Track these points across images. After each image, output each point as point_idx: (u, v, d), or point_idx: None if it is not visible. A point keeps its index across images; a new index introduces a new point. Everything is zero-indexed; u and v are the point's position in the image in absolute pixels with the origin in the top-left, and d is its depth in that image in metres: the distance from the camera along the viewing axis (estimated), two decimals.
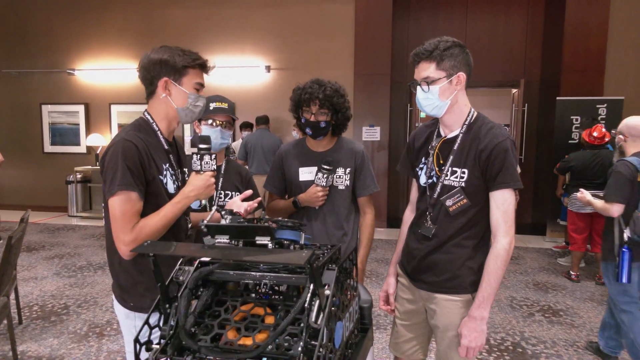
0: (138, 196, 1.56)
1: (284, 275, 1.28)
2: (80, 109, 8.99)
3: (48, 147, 9.20)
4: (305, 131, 2.31)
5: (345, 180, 2.33)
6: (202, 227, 1.28)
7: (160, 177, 1.66)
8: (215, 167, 1.73)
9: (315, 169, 2.29)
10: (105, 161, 1.59)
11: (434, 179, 1.88)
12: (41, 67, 8.95)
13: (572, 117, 6.81)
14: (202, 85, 1.76)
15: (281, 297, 1.32)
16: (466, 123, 1.82)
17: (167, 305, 1.31)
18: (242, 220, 1.35)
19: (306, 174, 2.32)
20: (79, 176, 8.69)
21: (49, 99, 9.05)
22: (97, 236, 7.17)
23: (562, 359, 3.44)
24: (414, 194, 2.09)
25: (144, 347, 1.25)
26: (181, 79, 1.69)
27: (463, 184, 1.79)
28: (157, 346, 1.25)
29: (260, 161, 6.71)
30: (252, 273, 1.30)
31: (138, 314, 1.65)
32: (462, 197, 1.79)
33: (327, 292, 1.21)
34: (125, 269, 1.66)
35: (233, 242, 1.29)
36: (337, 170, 2.31)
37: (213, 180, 1.71)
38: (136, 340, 1.23)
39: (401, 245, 2.09)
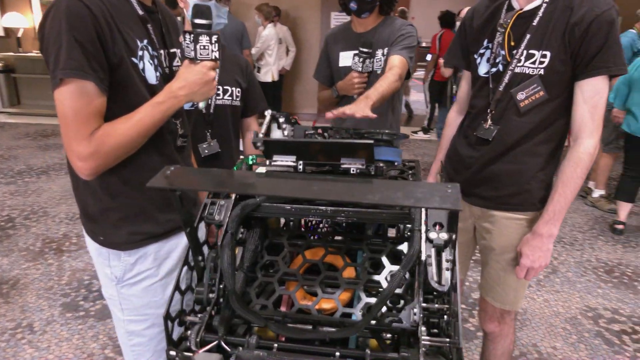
0: (96, 88, 1.04)
1: (370, 210, 0.89)
2: None
3: None
4: (350, 6, 1.93)
5: (385, 62, 1.92)
6: (258, 143, 0.83)
7: (133, 59, 1.12)
8: (217, 55, 1.21)
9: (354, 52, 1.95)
10: (44, 32, 1.04)
11: (500, 66, 1.47)
12: None
13: None
14: None
15: (353, 240, 0.94)
16: None
17: (200, 258, 0.91)
18: (310, 132, 0.91)
19: (346, 58, 2.00)
20: None
21: None
22: (33, 135, 6.36)
23: None
24: (463, 91, 1.68)
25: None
26: None
27: (542, 71, 1.39)
28: (195, 318, 0.86)
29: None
30: (321, 207, 0.90)
31: (112, 252, 1.22)
32: (539, 88, 1.40)
33: (443, 235, 0.85)
34: (92, 192, 1.19)
35: (298, 165, 0.86)
36: (377, 52, 1.94)
37: (213, 74, 1.20)
38: (167, 317, 0.83)
39: (443, 153, 1.74)
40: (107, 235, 1.20)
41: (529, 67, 1.41)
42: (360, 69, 1.90)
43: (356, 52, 1.89)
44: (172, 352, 0.83)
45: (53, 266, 3.10)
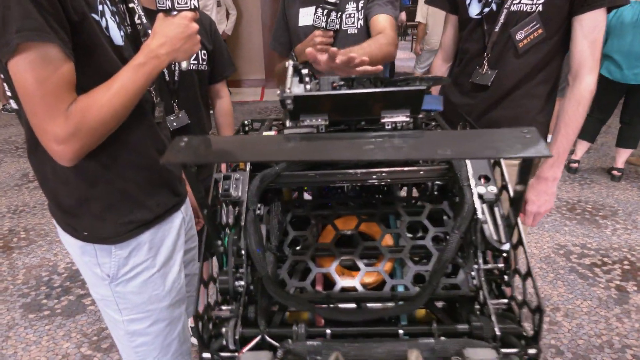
0: (61, 52, 0.84)
1: (406, 169, 0.79)
2: None
3: None
4: None
5: (359, 19, 1.60)
6: (288, 100, 0.70)
7: (94, 15, 0.92)
8: (197, 4, 1.05)
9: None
10: None
11: (494, 5, 1.38)
12: None
13: None
14: None
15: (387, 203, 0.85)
16: None
17: (219, 243, 0.78)
18: (340, 83, 0.78)
19: (307, 16, 1.63)
20: None
21: None
22: None
23: None
24: (448, 36, 1.59)
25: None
26: None
27: (540, 7, 1.32)
28: (226, 312, 0.75)
29: None
30: (349, 171, 0.79)
31: (101, 247, 1.06)
32: (538, 25, 1.34)
33: (492, 188, 0.77)
34: (65, 181, 1.00)
35: (321, 124, 0.74)
36: (346, 5, 1.60)
37: (195, 26, 1.04)
38: (198, 316, 0.71)
39: None
40: (92, 229, 1.04)
41: (526, 4, 1.33)
42: (323, 24, 1.54)
43: (319, 4, 1.55)
44: (207, 355, 0.71)
45: (3, 265, 2.82)
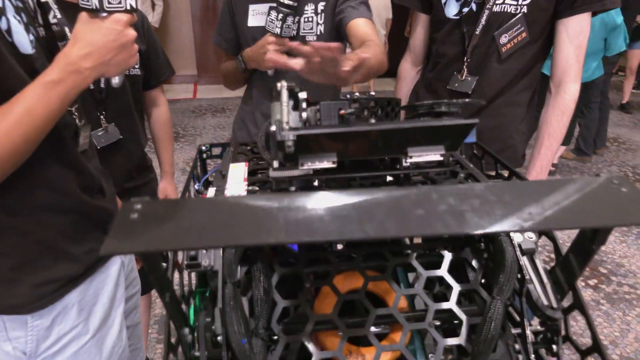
0: None
1: None
2: None
3: None
4: None
5: (319, 24, 1.35)
6: (288, 141, 0.50)
7: None
8: (135, 4, 0.81)
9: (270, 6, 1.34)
10: None
11: (474, 5, 1.25)
12: None
13: None
14: None
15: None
16: None
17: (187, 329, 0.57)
18: (350, 111, 0.58)
19: (258, 15, 1.39)
20: None
21: None
22: None
23: None
24: (418, 38, 1.44)
25: None
26: None
27: (525, 9, 1.20)
28: None
29: None
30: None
31: (11, 318, 0.79)
32: (523, 29, 1.22)
33: (530, 235, 0.62)
34: None
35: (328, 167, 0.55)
36: (305, 7, 1.35)
37: (132, 34, 0.80)
38: None
39: None
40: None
41: (510, 4, 1.21)
42: (277, 30, 1.29)
43: (273, 4, 1.30)
44: None
45: None
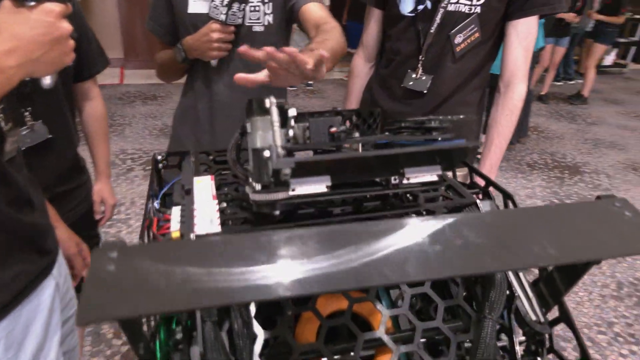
0: None
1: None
2: None
3: None
4: None
5: (266, 14, 1.28)
6: (285, 169, 0.44)
7: None
8: None
9: None
10: None
11: (429, 3, 1.24)
12: None
13: None
14: None
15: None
16: None
17: None
18: (342, 129, 0.53)
19: (200, 0, 1.27)
20: None
21: None
22: None
23: None
24: (371, 33, 1.41)
25: None
26: None
27: (479, 9, 1.21)
28: None
29: None
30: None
31: None
32: (476, 29, 1.23)
33: None
34: None
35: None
36: None
37: (67, 27, 0.71)
38: None
39: (352, 107, 1.47)
40: None
41: (464, 4, 1.21)
42: (223, 17, 1.22)
43: None
44: None
45: None
